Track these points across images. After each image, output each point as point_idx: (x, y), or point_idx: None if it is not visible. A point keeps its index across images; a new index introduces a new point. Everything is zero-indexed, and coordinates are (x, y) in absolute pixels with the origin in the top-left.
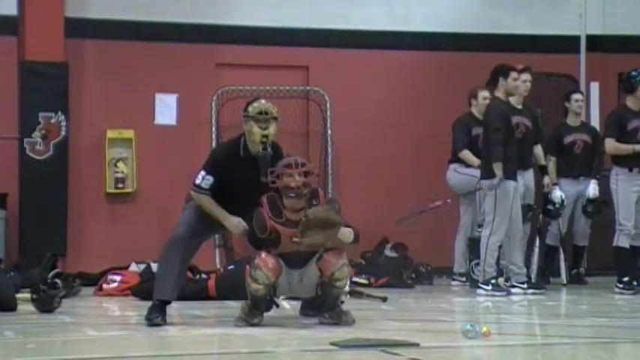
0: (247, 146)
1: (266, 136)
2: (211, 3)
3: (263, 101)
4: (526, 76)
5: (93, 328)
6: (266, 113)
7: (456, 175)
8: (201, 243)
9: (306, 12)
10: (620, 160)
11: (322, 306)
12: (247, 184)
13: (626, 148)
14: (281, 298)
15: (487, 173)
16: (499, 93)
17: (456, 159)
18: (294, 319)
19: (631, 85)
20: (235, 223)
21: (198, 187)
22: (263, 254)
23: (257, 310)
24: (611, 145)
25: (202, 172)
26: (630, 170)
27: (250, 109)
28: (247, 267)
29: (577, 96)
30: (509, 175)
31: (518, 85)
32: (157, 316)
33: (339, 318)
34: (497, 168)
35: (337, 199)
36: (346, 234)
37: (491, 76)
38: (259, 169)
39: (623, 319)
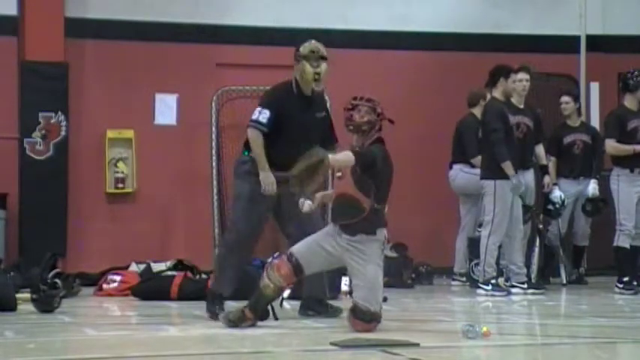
0: (300, 86)
1: (318, 74)
2: (211, 3)
3: (313, 41)
4: (523, 75)
5: (93, 328)
6: (317, 52)
7: (463, 175)
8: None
9: (306, 12)
10: (621, 160)
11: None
12: (302, 123)
13: (627, 148)
14: (283, 297)
15: (488, 173)
16: (497, 93)
17: (460, 159)
18: (294, 319)
19: (634, 85)
20: (269, 182)
21: (256, 121)
22: (283, 258)
23: (252, 314)
24: (611, 146)
25: (259, 108)
26: (631, 171)
27: (302, 48)
28: (268, 261)
29: (563, 98)
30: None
31: (516, 85)
32: (218, 308)
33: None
34: (507, 167)
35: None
36: (343, 159)
37: (490, 76)
38: (313, 108)
39: (623, 319)
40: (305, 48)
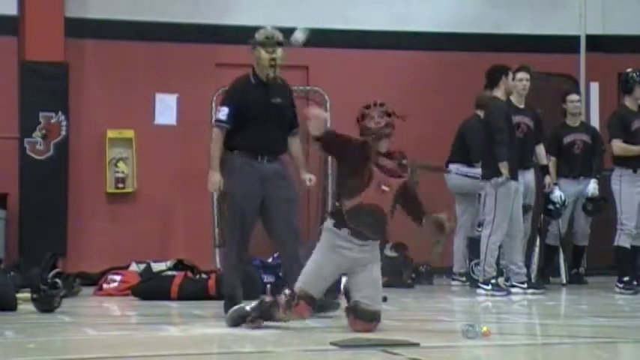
0: (257, 74)
1: (274, 60)
2: (211, 3)
3: (269, 27)
4: (522, 75)
5: (93, 328)
6: (272, 38)
7: (457, 175)
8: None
9: (306, 12)
10: (624, 161)
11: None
12: (261, 110)
13: (634, 149)
14: None
15: (488, 173)
16: (498, 93)
17: (458, 159)
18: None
19: (630, 87)
20: (214, 181)
21: (217, 120)
22: (302, 304)
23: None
24: (618, 146)
25: (219, 107)
26: (634, 171)
27: (257, 35)
28: (282, 298)
29: (572, 97)
30: (510, 174)
31: (516, 83)
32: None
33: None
34: (503, 167)
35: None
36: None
37: (489, 77)
38: (270, 95)
39: (623, 319)
40: (260, 34)
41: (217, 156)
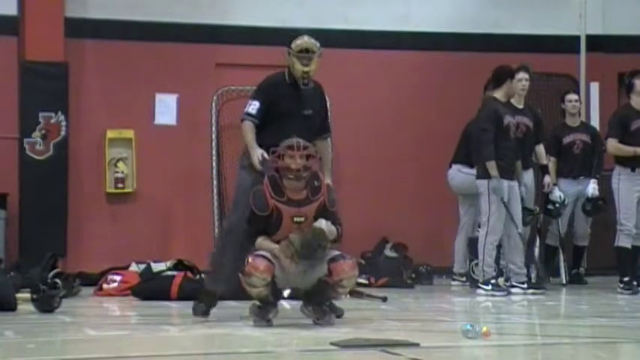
0: (292, 74)
1: (307, 73)
2: (211, 3)
3: (306, 38)
4: (522, 75)
5: (93, 328)
6: (307, 51)
7: (460, 175)
8: None
9: (306, 12)
10: (623, 160)
11: (311, 298)
12: (295, 110)
13: (628, 150)
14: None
15: (482, 173)
16: (499, 94)
17: (460, 159)
18: (294, 319)
19: (627, 87)
20: (258, 154)
21: (246, 113)
22: (250, 258)
23: (269, 306)
24: (613, 145)
25: (250, 101)
26: (633, 170)
27: (293, 45)
28: (240, 276)
29: (571, 96)
30: (503, 174)
31: (516, 84)
32: (201, 307)
33: (322, 316)
34: (491, 168)
35: (334, 188)
36: (332, 231)
37: (495, 77)
38: (303, 104)
39: (623, 319)
40: (297, 46)
41: (252, 140)
